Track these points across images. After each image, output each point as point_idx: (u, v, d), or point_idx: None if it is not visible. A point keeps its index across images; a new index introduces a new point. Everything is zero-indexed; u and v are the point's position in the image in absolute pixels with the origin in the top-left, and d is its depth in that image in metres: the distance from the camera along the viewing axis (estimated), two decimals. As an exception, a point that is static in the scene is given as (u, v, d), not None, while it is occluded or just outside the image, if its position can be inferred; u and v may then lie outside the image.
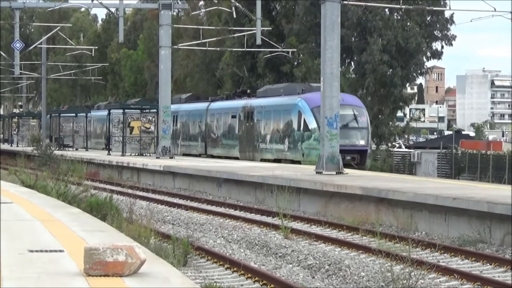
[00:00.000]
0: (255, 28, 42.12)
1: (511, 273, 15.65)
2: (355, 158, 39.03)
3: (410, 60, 62.27)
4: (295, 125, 41.55)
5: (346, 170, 31.31)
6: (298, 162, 39.68)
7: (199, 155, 51.53)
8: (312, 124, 39.73)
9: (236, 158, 46.48)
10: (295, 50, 61.09)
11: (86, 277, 7.48)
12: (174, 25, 51.15)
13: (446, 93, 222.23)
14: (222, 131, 50.37)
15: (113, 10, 47.59)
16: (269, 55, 60.25)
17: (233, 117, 48.91)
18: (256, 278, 14.88)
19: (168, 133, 46.25)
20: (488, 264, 16.74)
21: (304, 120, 40.67)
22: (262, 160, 43.80)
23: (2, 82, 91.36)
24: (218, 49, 63.42)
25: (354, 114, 40.71)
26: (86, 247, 7.91)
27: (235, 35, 58.16)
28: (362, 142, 40.45)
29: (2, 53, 64.07)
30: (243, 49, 58.72)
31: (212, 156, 49.64)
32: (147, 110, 51.73)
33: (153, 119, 49.52)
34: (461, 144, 66.50)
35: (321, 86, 31.25)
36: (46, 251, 9.18)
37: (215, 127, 51.39)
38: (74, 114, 71.03)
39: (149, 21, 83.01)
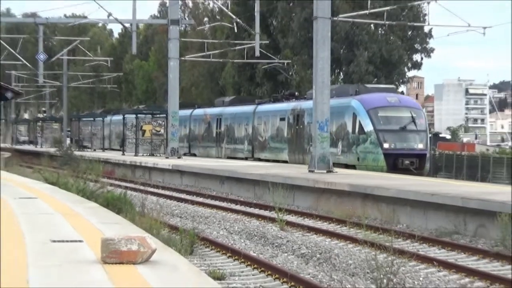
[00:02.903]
0: (254, 42, 42.07)
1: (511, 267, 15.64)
2: (413, 162, 33.40)
3: (393, 70, 62.45)
4: (349, 128, 35.66)
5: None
6: (353, 167, 34.39)
7: (245, 158, 46.26)
8: (368, 127, 34.18)
9: (285, 162, 41.34)
10: (290, 61, 61.11)
11: (103, 265, 7.48)
12: (182, 39, 51.04)
13: (425, 100, 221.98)
14: (270, 134, 44.56)
15: (127, 25, 47.44)
16: (266, 66, 60.28)
17: (282, 119, 43.30)
18: (255, 266, 14.88)
19: (176, 136, 46.18)
20: (463, 253, 16.74)
21: (359, 123, 34.85)
22: None
23: (28, 89, 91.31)
24: (221, 60, 63.41)
25: (412, 116, 34.77)
26: (103, 237, 7.92)
27: (236, 48, 58.09)
28: (420, 146, 34.33)
29: (27, 63, 63.95)
30: (243, 61, 58.77)
31: (260, 159, 44.47)
32: (157, 115, 51.71)
33: (163, 123, 49.48)
34: (438, 145, 66.60)
35: (313, 94, 31.21)
36: (67, 241, 9.19)
37: (262, 130, 45.71)
38: (92, 119, 71.13)
39: (159, 35, 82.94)
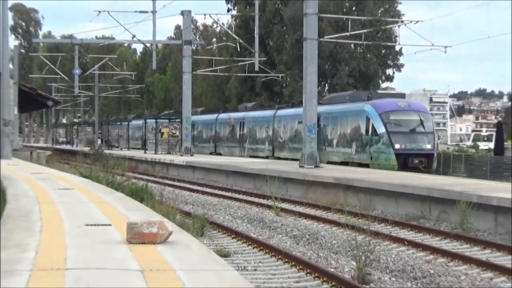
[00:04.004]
0: (254, 59, 42.06)
1: None
2: (422, 161, 31.69)
3: (370, 82, 62.54)
4: (362, 130, 33.68)
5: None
6: (366, 165, 32.53)
7: (266, 157, 44.31)
8: (381, 129, 32.29)
9: None
10: (284, 75, 61.26)
11: (128, 245, 7.48)
12: (193, 56, 51.08)
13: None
14: (288, 135, 42.50)
15: (148, 45, 47.46)
16: (264, 79, 60.39)
17: (300, 122, 39.66)
18: (255, 245, 14.90)
19: (189, 137, 46.21)
20: (428, 235, 16.78)
21: (373, 125, 32.88)
22: (328, 162, 35.86)
23: (65, 98, 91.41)
24: (226, 74, 63.56)
25: (421, 120, 32.91)
26: (128, 222, 7.92)
27: (239, 63, 58.21)
28: (428, 146, 32.46)
29: (65, 77, 64.00)
30: (245, 74, 58.86)
31: (279, 158, 42.52)
32: (173, 120, 51.75)
33: (178, 126, 49.50)
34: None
35: (303, 102, 31.23)
36: (98, 225, 9.19)
37: (282, 132, 43.85)
38: (119, 123, 71.16)
39: (175, 53, 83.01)
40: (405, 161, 31.36)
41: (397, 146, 31.62)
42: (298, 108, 41.76)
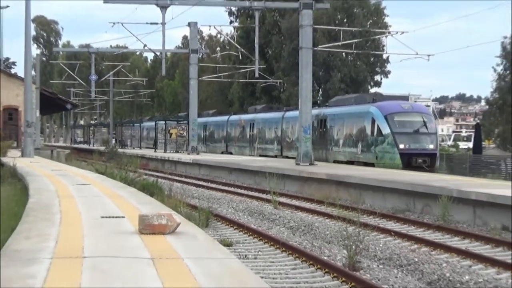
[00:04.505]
0: (254, 66, 42.04)
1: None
2: (426, 161, 30.16)
3: (359, 87, 62.45)
4: (368, 131, 32.11)
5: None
6: (371, 165, 30.99)
7: (275, 156, 42.55)
8: (386, 130, 30.82)
9: None
10: (281, 81, 61.21)
11: (139, 235, 7.49)
12: (199, 64, 51.05)
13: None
14: (296, 135, 38.01)
15: (158, 53, 47.44)
16: (263, 84, 60.36)
17: None
18: (255, 235, 14.90)
19: (195, 137, 46.17)
20: (412, 226, 16.78)
21: (378, 126, 31.35)
22: (335, 161, 34.69)
23: (83, 102, 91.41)
24: (229, 80, 63.50)
25: (424, 121, 31.35)
26: (140, 214, 7.92)
27: (241, 70, 58.18)
28: (431, 146, 30.83)
29: (83, 82, 63.98)
30: (246, 80, 58.87)
31: (287, 157, 40.30)
32: (181, 122, 51.72)
33: (185, 127, 49.48)
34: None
35: (299, 106, 31.16)
36: (112, 217, 9.19)
37: (290, 133, 42.10)
38: (131, 124, 71.16)
39: (182, 61, 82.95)
40: (409, 161, 30.15)
41: (401, 146, 30.44)
42: None
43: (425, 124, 31.31)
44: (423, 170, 28.09)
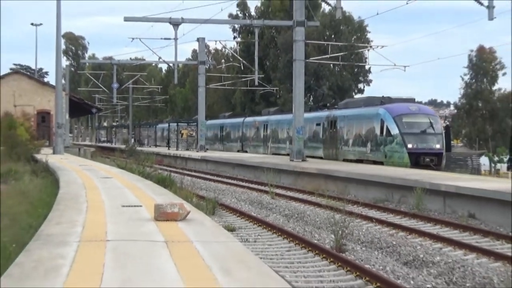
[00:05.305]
0: (254, 75, 42.06)
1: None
2: (433, 160, 28.00)
3: (345, 94, 62.48)
4: (377, 131, 29.89)
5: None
6: (380, 163, 28.89)
7: (287, 154, 38.92)
8: (394, 130, 28.67)
9: (320, 158, 35.01)
10: (278, 88, 61.22)
11: (155, 221, 7.49)
12: (207, 74, 51.04)
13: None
14: (308, 135, 37.22)
15: (171, 64, 47.45)
16: (262, 91, 60.37)
17: (318, 124, 36.96)
18: (255, 222, 14.91)
19: (203, 137, 46.17)
20: (391, 214, 16.78)
21: (387, 127, 29.19)
22: (344, 160, 32.51)
23: (106, 106, 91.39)
24: (232, 87, 63.48)
25: (430, 122, 29.08)
26: (155, 203, 7.92)
27: (242, 79, 58.18)
28: (438, 146, 28.51)
29: (106, 90, 64.02)
30: (247, 88, 58.87)
31: None
32: (191, 124, 51.69)
33: (195, 129, 49.44)
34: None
35: (293, 110, 31.14)
36: (131, 206, 9.19)
37: None
38: (148, 126, 71.14)
39: (192, 71, 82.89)
40: (417, 160, 28.03)
41: (409, 145, 28.32)
42: (316, 112, 39.05)
43: (431, 125, 29.22)
44: (430, 169, 26.33)
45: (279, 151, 43.13)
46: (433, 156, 28.24)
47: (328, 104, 43.86)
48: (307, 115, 39.46)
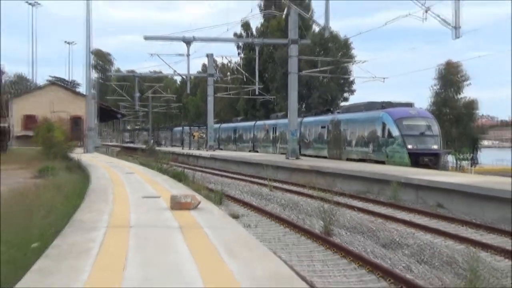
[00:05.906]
0: (255, 86, 42.07)
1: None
2: (431, 159, 26.30)
3: (332, 102, 62.27)
4: (379, 133, 28.17)
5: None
6: (382, 162, 27.08)
7: None
8: (395, 133, 27.04)
9: (325, 157, 33.11)
10: (275, 97, 61.13)
11: (171, 210, 7.52)
12: (215, 85, 50.93)
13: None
14: (313, 137, 36.37)
15: (184, 77, 47.49)
16: (262, 99, 60.29)
17: (323, 127, 35.20)
18: (256, 210, 14.90)
19: (211, 139, 46.18)
20: (371, 204, 16.77)
21: (388, 129, 27.52)
22: (348, 159, 30.51)
23: (129, 112, 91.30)
24: (236, 96, 63.39)
25: (428, 124, 27.54)
26: (171, 195, 7.95)
27: (245, 89, 58.14)
28: (435, 147, 26.89)
29: (129, 98, 64.00)
30: (249, 96, 58.68)
31: (305, 155, 34.37)
32: (201, 127, 51.66)
33: (205, 131, 49.38)
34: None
35: (288, 115, 31.08)
36: (151, 197, 9.23)
37: (307, 135, 37.44)
38: (165, 129, 71.17)
39: (202, 82, 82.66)
40: (417, 159, 26.30)
41: (410, 146, 26.67)
42: (321, 116, 37.29)
43: (429, 127, 27.61)
44: (429, 168, 24.83)
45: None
46: (432, 156, 26.82)
47: (331, 109, 41.84)
48: (313, 118, 37.86)
